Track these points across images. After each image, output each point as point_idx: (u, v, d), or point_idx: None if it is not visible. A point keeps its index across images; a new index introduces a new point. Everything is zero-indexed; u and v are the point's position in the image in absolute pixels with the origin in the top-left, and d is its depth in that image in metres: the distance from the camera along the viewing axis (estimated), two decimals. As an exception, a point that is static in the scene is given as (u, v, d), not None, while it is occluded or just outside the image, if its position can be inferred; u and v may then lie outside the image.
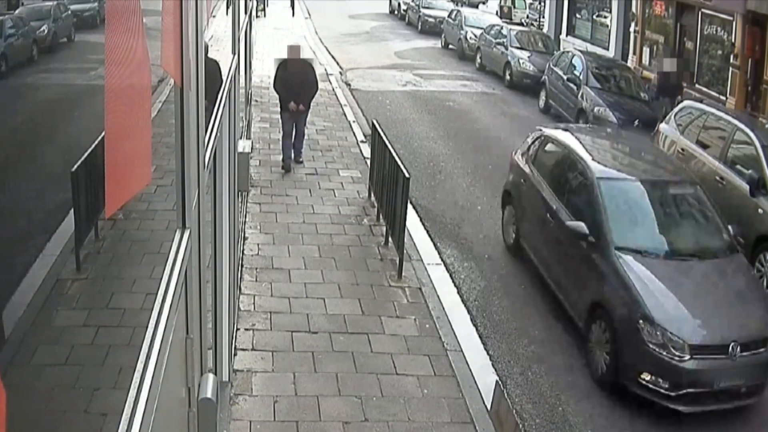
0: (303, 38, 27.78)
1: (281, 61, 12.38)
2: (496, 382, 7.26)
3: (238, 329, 7.45)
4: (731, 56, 17.15)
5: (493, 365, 7.67)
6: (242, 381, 6.71)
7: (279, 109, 12.62)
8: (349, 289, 8.53)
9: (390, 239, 9.60)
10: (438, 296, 8.66)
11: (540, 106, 19.18)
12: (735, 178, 10.99)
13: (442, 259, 9.91)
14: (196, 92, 2.95)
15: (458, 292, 9.07)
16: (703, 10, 18.32)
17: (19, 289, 1.43)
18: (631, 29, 22.06)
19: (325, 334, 7.61)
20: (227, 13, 6.07)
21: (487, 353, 7.87)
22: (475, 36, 25.28)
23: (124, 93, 1.99)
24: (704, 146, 12.14)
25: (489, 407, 6.78)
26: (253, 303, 8.05)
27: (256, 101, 16.23)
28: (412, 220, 10.36)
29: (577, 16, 26.18)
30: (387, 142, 10.11)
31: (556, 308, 8.79)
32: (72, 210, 1.76)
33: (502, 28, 24.28)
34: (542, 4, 30.18)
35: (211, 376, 3.27)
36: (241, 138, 8.24)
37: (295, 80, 12.14)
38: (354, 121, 15.93)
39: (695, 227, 8.83)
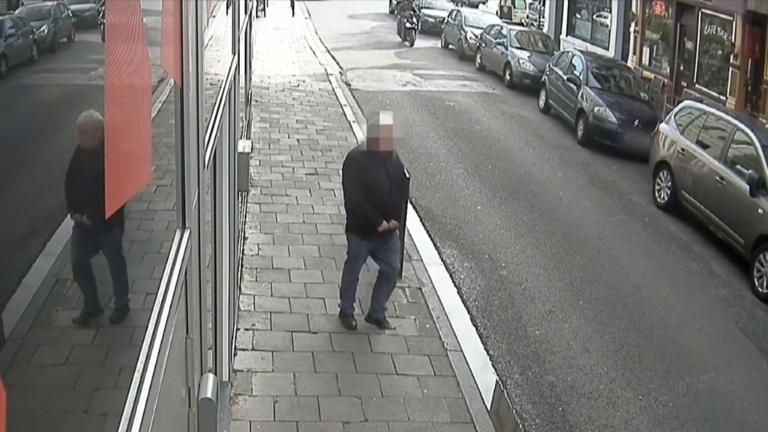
0: (303, 38, 27.83)
1: (359, 150, 7.61)
2: (496, 381, 7.27)
3: (238, 329, 7.44)
4: (731, 56, 17.15)
5: (493, 365, 7.67)
6: (242, 381, 6.71)
7: (346, 227, 7.66)
8: (349, 289, 8.51)
9: (390, 239, 9.58)
10: (438, 296, 8.66)
11: (540, 106, 19.19)
12: (735, 178, 10.99)
13: (442, 259, 9.91)
14: (196, 92, 2.95)
15: (458, 292, 9.07)
16: (703, 10, 18.32)
17: (19, 289, 1.43)
18: (631, 29, 22.06)
19: (325, 334, 7.60)
20: (227, 13, 6.06)
21: (487, 353, 7.87)
22: (475, 36, 25.28)
23: (124, 93, 1.98)
24: (704, 146, 12.15)
25: (489, 407, 6.78)
26: (253, 303, 8.05)
27: (256, 101, 16.23)
28: (412, 220, 10.36)
29: (577, 16, 26.18)
30: (387, 142, 10.06)
31: (557, 307, 8.77)
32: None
33: (502, 28, 24.31)
34: (542, 4, 30.19)
35: (211, 376, 3.26)
36: (241, 138, 8.22)
37: (383, 180, 7.27)
38: (354, 121, 15.92)
39: None
